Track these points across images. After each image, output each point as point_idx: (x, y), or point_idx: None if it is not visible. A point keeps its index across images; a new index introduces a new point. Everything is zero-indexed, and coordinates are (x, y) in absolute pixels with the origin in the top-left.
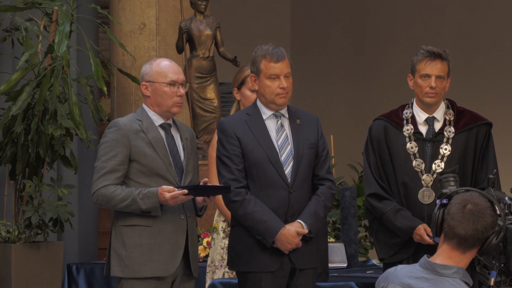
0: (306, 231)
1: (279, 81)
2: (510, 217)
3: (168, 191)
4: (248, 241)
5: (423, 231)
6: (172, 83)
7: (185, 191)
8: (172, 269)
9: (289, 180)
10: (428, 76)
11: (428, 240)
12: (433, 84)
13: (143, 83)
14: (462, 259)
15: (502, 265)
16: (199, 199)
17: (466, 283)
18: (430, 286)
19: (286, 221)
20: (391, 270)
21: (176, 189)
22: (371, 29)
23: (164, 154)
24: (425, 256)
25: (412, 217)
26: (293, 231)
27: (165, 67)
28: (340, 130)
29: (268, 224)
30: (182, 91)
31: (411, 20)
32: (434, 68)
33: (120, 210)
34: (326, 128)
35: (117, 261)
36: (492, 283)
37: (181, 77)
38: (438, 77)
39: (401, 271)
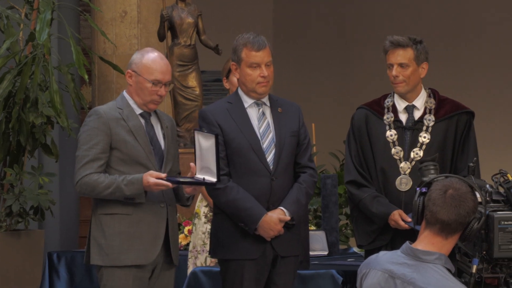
0: (288, 218)
1: (260, 70)
2: (491, 204)
3: (157, 177)
4: (230, 229)
5: (397, 217)
6: (156, 83)
7: (170, 184)
8: (152, 257)
9: (271, 167)
10: (391, 65)
11: (403, 225)
12: (393, 73)
13: (129, 70)
14: (445, 245)
15: (484, 252)
16: (188, 189)
17: (448, 269)
18: (411, 272)
19: (268, 208)
20: (373, 256)
21: (162, 175)
22: (353, 17)
23: (144, 142)
24: (407, 242)
25: (388, 204)
26: (275, 218)
27: (154, 64)
28: (321, 119)
29: (251, 211)
30: (163, 91)
31: (392, 9)
32: (394, 56)
33: (104, 198)
34: (308, 116)
35: (96, 249)
36: (474, 271)
37: (167, 77)
38: (400, 65)
39: (383, 257)
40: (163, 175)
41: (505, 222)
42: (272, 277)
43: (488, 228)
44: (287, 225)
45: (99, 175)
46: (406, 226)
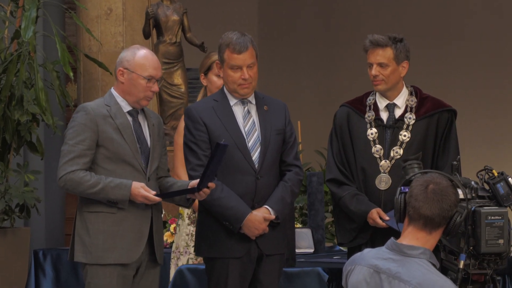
0: (273, 216)
1: (242, 72)
2: (477, 200)
3: (147, 191)
4: (215, 227)
5: (375, 215)
6: (150, 78)
7: (159, 199)
8: (135, 256)
9: (256, 166)
10: (371, 64)
11: (381, 223)
12: (373, 72)
13: (121, 68)
14: (429, 240)
15: (471, 248)
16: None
17: (432, 264)
18: (397, 266)
19: (253, 207)
20: (358, 254)
21: (152, 192)
22: (339, 15)
23: (131, 140)
24: (392, 238)
25: (368, 202)
26: (260, 217)
27: (147, 61)
28: (307, 116)
29: (235, 210)
30: (156, 87)
31: (378, 7)
32: (373, 56)
33: (87, 197)
34: (294, 114)
35: (80, 247)
36: (461, 266)
37: (158, 73)
38: (379, 64)
39: (368, 253)
40: (153, 192)
41: (492, 217)
42: (258, 275)
43: (475, 224)
44: (272, 224)
45: (85, 172)
46: (383, 224)
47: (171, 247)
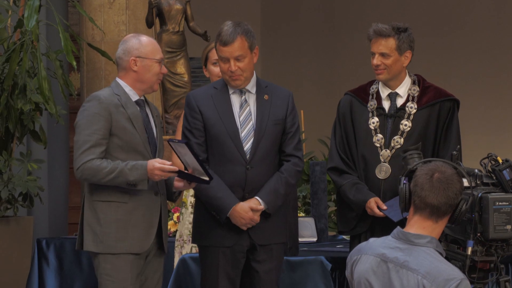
0: (262, 207)
1: (229, 64)
2: (482, 187)
3: (162, 163)
4: (208, 215)
5: (373, 204)
6: (161, 60)
7: (176, 169)
8: (146, 246)
9: (248, 156)
10: (373, 54)
11: (378, 212)
12: (375, 62)
13: (133, 58)
14: (435, 229)
15: (479, 234)
16: (179, 184)
17: (439, 252)
18: (404, 255)
19: (244, 197)
20: (363, 243)
21: (167, 162)
22: (341, 6)
23: (141, 130)
24: (398, 227)
25: (367, 191)
26: (246, 207)
27: (154, 45)
28: (310, 106)
29: (222, 200)
30: (165, 69)
31: None
32: (376, 45)
33: (106, 184)
34: (296, 103)
35: (91, 236)
36: (469, 252)
37: (162, 54)
38: (381, 54)
39: (374, 242)
40: (169, 162)
41: (500, 203)
42: (253, 265)
43: (483, 210)
44: (264, 214)
45: (101, 160)
46: (381, 214)
47: (174, 236)
